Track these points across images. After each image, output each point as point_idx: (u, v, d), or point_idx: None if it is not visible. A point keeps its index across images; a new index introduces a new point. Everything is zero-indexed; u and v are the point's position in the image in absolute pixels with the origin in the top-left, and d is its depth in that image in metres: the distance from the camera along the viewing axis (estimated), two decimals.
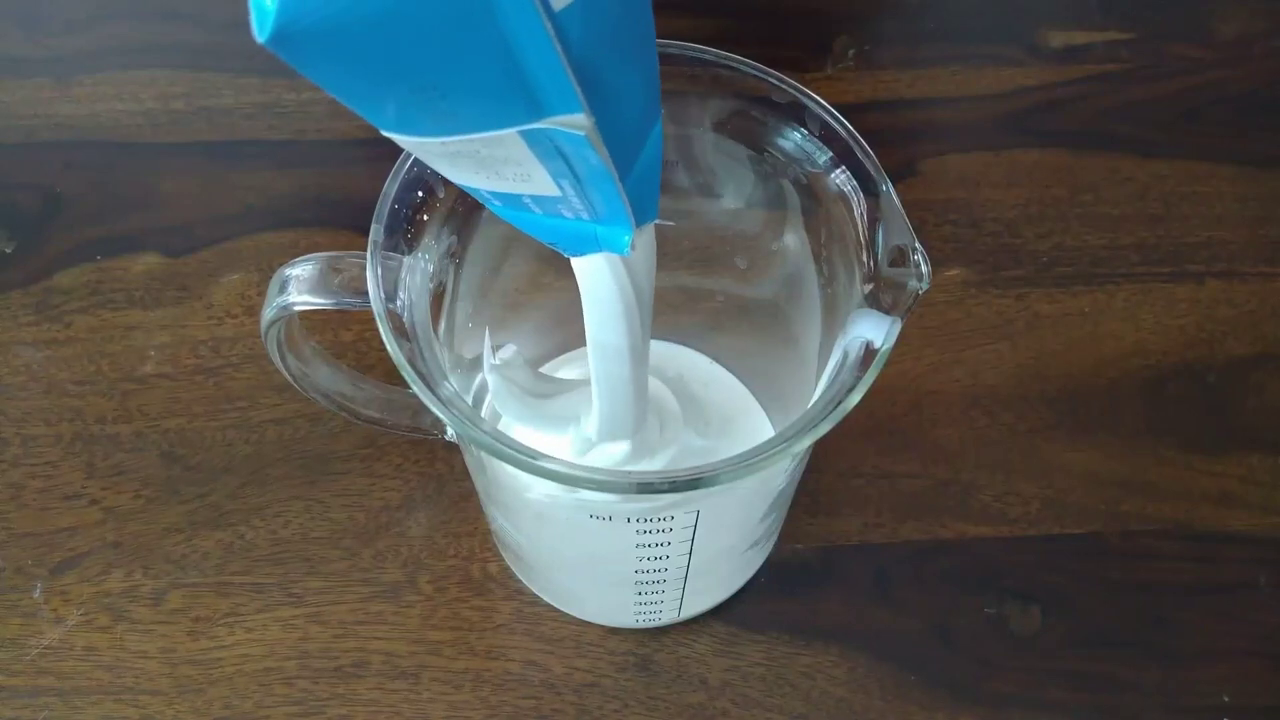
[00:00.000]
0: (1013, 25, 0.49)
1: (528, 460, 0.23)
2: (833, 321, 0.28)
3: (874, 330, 0.24)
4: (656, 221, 0.23)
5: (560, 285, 0.33)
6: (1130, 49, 0.49)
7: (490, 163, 0.19)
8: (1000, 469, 0.38)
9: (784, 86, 0.27)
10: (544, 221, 0.22)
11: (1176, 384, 0.40)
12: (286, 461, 0.38)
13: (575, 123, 0.17)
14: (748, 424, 0.35)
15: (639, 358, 0.25)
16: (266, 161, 0.45)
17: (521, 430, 0.30)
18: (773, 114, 0.27)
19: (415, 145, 0.18)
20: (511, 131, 0.17)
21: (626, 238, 0.22)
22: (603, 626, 0.35)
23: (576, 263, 0.23)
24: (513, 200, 0.21)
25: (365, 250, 0.25)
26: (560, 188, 0.20)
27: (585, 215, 0.21)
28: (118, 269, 0.42)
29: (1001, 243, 0.43)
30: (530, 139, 0.18)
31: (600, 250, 0.22)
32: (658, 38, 0.27)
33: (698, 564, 0.30)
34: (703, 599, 0.34)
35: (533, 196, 0.21)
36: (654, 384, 0.33)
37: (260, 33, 0.14)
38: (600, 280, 0.23)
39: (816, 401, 0.25)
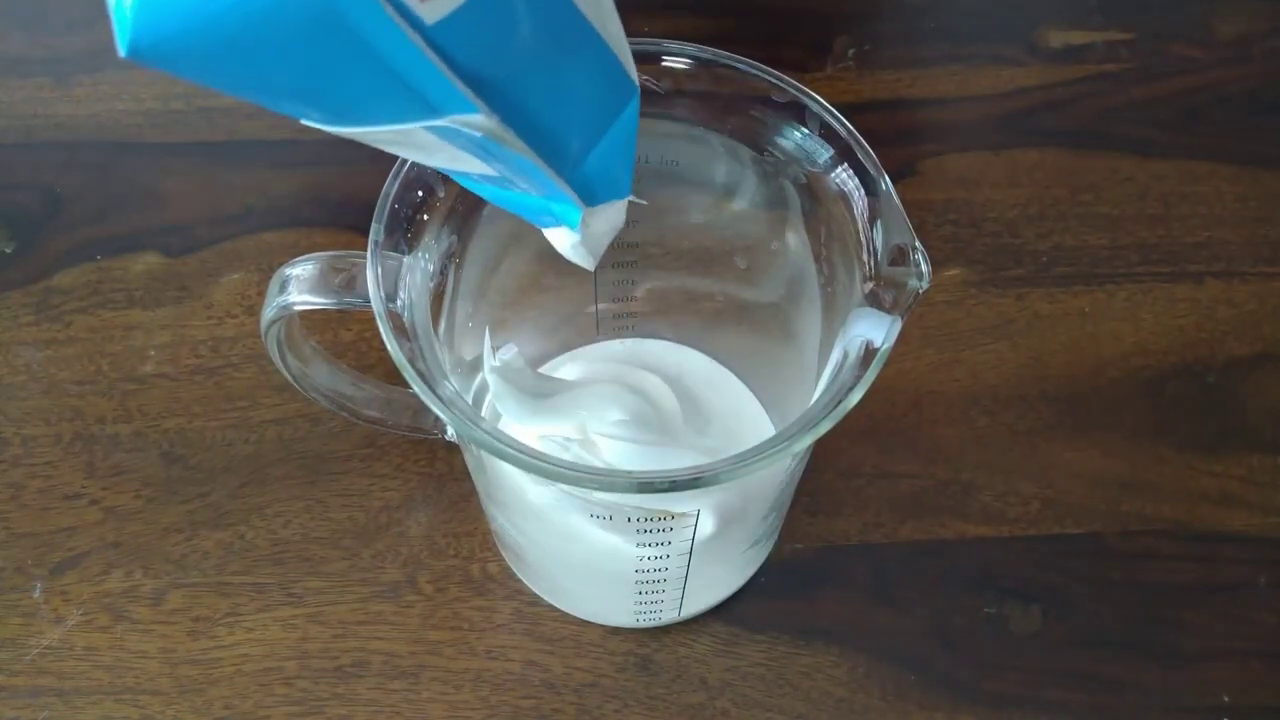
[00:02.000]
0: (1013, 25, 0.49)
1: (528, 460, 0.23)
2: (833, 321, 0.28)
3: (874, 329, 0.24)
4: (630, 199, 0.23)
5: (560, 285, 0.33)
6: (1130, 49, 0.49)
7: (414, 147, 0.19)
8: (1000, 469, 0.38)
9: (784, 86, 0.27)
10: (503, 194, 0.22)
11: (1176, 384, 0.40)
12: (286, 461, 0.38)
13: (475, 123, 0.17)
14: (748, 424, 0.35)
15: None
16: (266, 161, 0.45)
17: (521, 430, 0.30)
18: (773, 114, 0.27)
19: (333, 133, 0.18)
20: (416, 126, 0.17)
21: (576, 215, 0.22)
22: (603, 626, 0.35)
23: (548, 233, 0.23)
24: (466, 176, 0.21)
25: (365, 250, 0.25)
26: (494, 169, 0.20)
27: (534, 192, 0.21)
28: (118, 269, 0.42)
29: (1001, 243, 0.43)
30: (439, 133, 0.18)
31: (559, 225, 0.22)
32: (658, 38, 0.27)
33: (698, 564, 0.30)
34: (703, 599, 0.34)
35: (479, 174, 0.21)
36: (654, 383, 0.33)
37: (121, 45, 0.14)
38: (565, 250, 0.23)
39: (816, 401, 0.25)
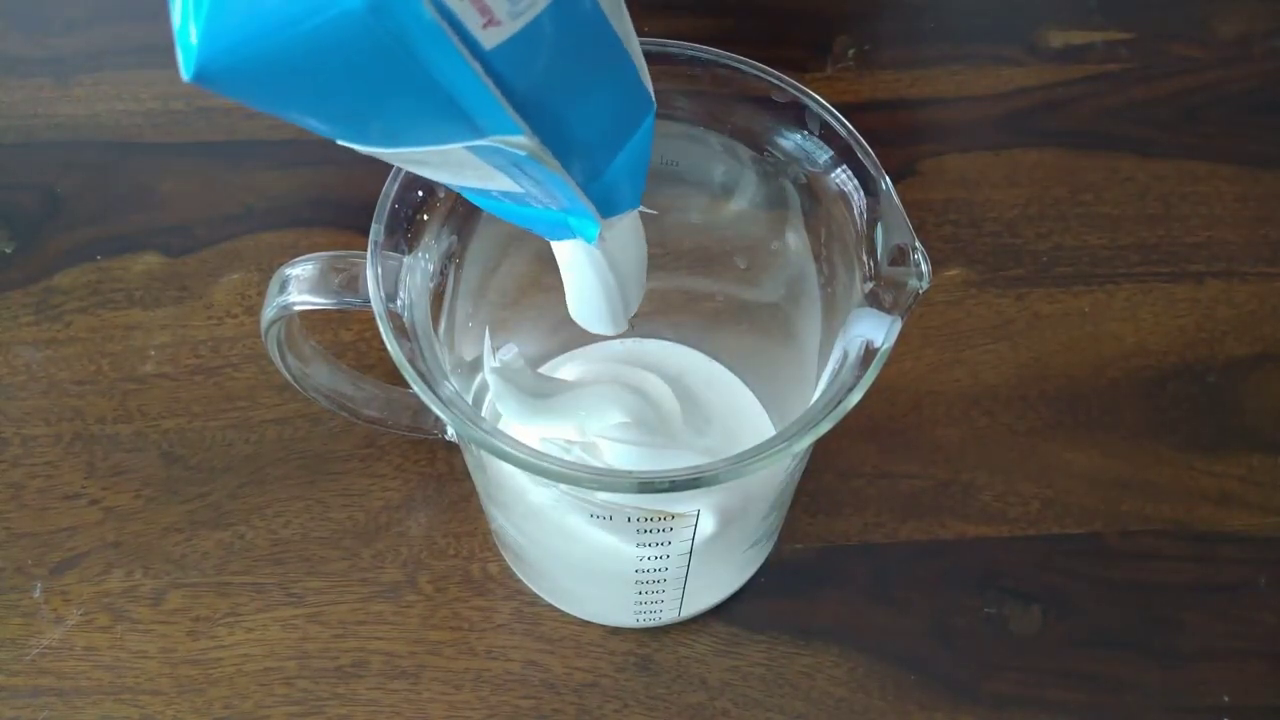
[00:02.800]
0: (1013, 25, 0.49)
1: (528, 460, 0.23)
2: (833, 321, 0.28)
3: (874, 329, 0.24)
4: (640, 209, 0.23)
5: (560, 285, 0.33)
6: (1130, 49, 0.49)
7: (447, 167, 0.19)
8: (1000, 469, 0.38)
9: (784, 86, 0.27)
10: (517, 210, 0.22)
11: (1176, 384, 0.40)
12: (286, 461, 0.38)
13: (517, 143, 0.18)
14: (748, 424, 0.35)
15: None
16: (266, 161, 0.45)
17: (521, 430, 0.30)
18: (773, 114, 0.27)
19: (368, 153, 0.19)
20: (457, 146, 0.18)
21: (594, 229, 0.22)
22: (603, 626, 0.35)
23: (556, 246, 0.24)
24: (483, 193, 0.22)
25: (365, 250, 0.25)
26: (522, 186, 0.20)
27: (554, 206, 0.21)
28: (118, 269, 0.42)
29: (1001, 243, 0.43)
30: (478, 153, 0.18)
31: (574, 237, 0.23)
32: (658, 37, 0.27)
33: (698, 563, 0.30)
34: (703, 599, 0.34)
35: (500, 191, 0.21)
36: (654, 383, 0.33)
37: (185, 70, 0.14)
38: (577, 264, 0.23)
39: (816, 401, 0.25)
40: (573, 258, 0.24)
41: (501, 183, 0.20)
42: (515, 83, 0.17)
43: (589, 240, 0.22)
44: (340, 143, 0.18)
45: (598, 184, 0.21)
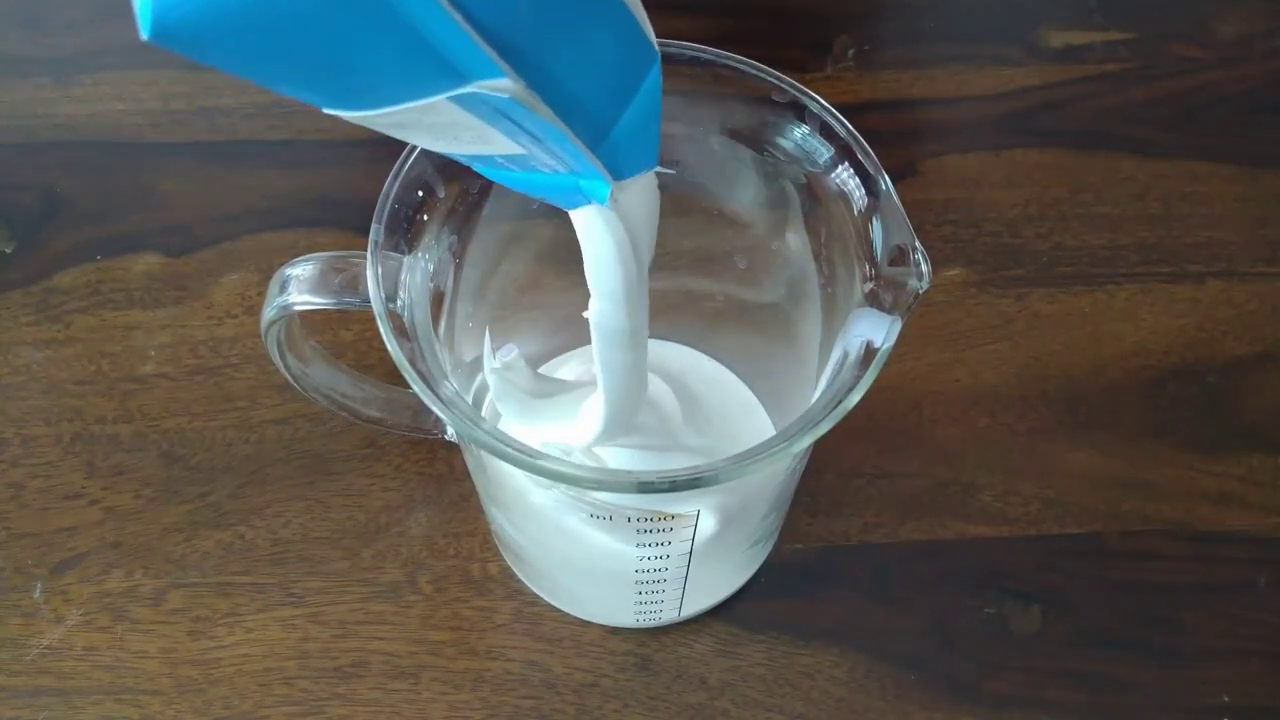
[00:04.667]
0: (1013, 25, 0.49)
1: (528, 460, 0.23)
2: (833, 321, 0.28)
3: (874, 329, 0.24)
4: (657, 169, 0.22)
5: (560, 285, 0.33)
6: (1130, 49, 0.49)
7: (441, 129, 0.19)
8: (1000, 469, 0.38)
9: (784, 86, 0.27)
10: (527, 178, 0.22)
11: (1176, 384, 0.40)
12: (286, 461, 0.38)
13: (501, 87, 0.17)
14: (748, 424, 0.35)
15: (636, 311, 0.25)
16: (266, 161, 0.45)
17: (521, 430, 0.30)
18: (773, 114, 0.27)
19: (355, 119, 0.18)
20: (440, 99, 0.17)
21: (605, 190, 0.21)
22: (603, 626, 0.35)
23: (574, 215, 0.23)
24: (488, 161, 0.21)
25: (365, 250, 0.25)
26: (523, 146, 0.20)
27: (561, 169, 0.21)
28: (118, 269, 0.42)
29: (1001, 243, 0.43)
30: (464, 104, 0.17)
31: (588, 202, 0.22)
32: (658, 38, 0.27)
33: (698, 564, 0.30)
34: (703, 599, 0.34)
35: (504, 156, 0.20)
36: (654, 383, 0.33)
37: (143, 29, 0.14)
38: (594, 231, 0.23)
39: (816, 401, 0.25)
40: (590, 226, 0.23)
41: (501, 144, 0.19)
42: (488, 20, 0.16)
43: (601, 202, 0.22)
44: (327, 111, 0.17)
45: (606, 145, 0.20)
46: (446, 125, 0.18)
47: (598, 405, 0.27)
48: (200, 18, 0.14)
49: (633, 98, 0.20)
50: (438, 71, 0.16)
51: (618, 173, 0.21)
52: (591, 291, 0.24)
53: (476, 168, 0.22)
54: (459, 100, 0.17)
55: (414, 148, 0.26)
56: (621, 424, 0.28)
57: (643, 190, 0.23)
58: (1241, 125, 0.47)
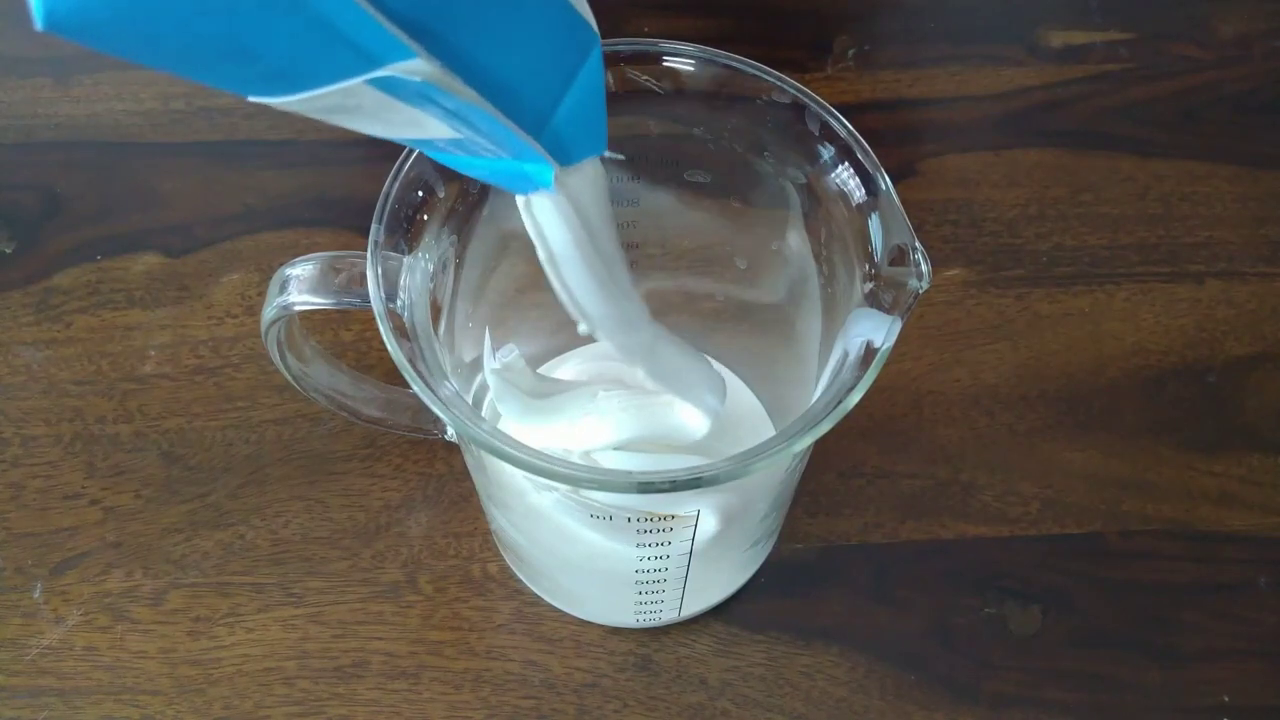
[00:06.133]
0: (1013, 25, 0.49)
1: (528, 460, 0.23)
2: (833, 321, 0.28)
3: (874, 330, 0.24)
4: (605, 154, 0.22)
5: None
6: (1130, 49, 0.49)
7: (370, 113, 0.18)
8: (1000, 469, 0.38)
9: (784, 86, 0.27)
10: (475, 163, 0.21)
11: (1176, 384, 0.40)
12: (286, 461, 0.38)
13: (414, 69, 0.17)
14: (748, 424, 0.35)
15: (615, 298, 0.24)
16: (266, 161, 0.45)
17: (521, 430, 0.30)
18: (773, 114, 0.27)
19: (278, 105, 0.18)
20: (357, 83, 0.17)
21: (549, 174, 0.21)
22: (603, 626, 0.35)
23: (520, 203, 0.23)
24: (429, 145, 0.21)
25: (365, 250, 0.25)
26: (459, 131, 0.19)
27: (504, 154, 0.21)
28: (118, 269, 0.42)
29: (1001, 243, 0.43)
30: (384, 87, 0.17)
31: (536, 189, 0.22)
32: (658, 38, 0.27)
33: (698, 564, 0.30)
34: (703, 599, 0.34)
35: (445, 140, 0.20)
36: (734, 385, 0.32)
37: (38, 19, 0.14)
38: (548, 221, 0.22)
39: (816, 401, 0.25)
40: (542, 217, 0.22)
41: (435, 129, 0.19)
42: (396, 2, 0.16)
43: (546, 186, 0.21)
44: (250, 99, 0.17)
45: (549, 130, 0.20)
46: (374, 109, 0.18)
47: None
48: (90, 5, 0.14)
49: (573, 81, 0.20)
50: (347, 54, 0.16)
51: (565, 158, 0.21)
52: (555, 288, 0.24)
53: (424, 151, 0.22)
54: (377, 84, 0.17)
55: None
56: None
57: (589, 173, 0.22)
58: (1241, 125, 0.47)
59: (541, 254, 0.23)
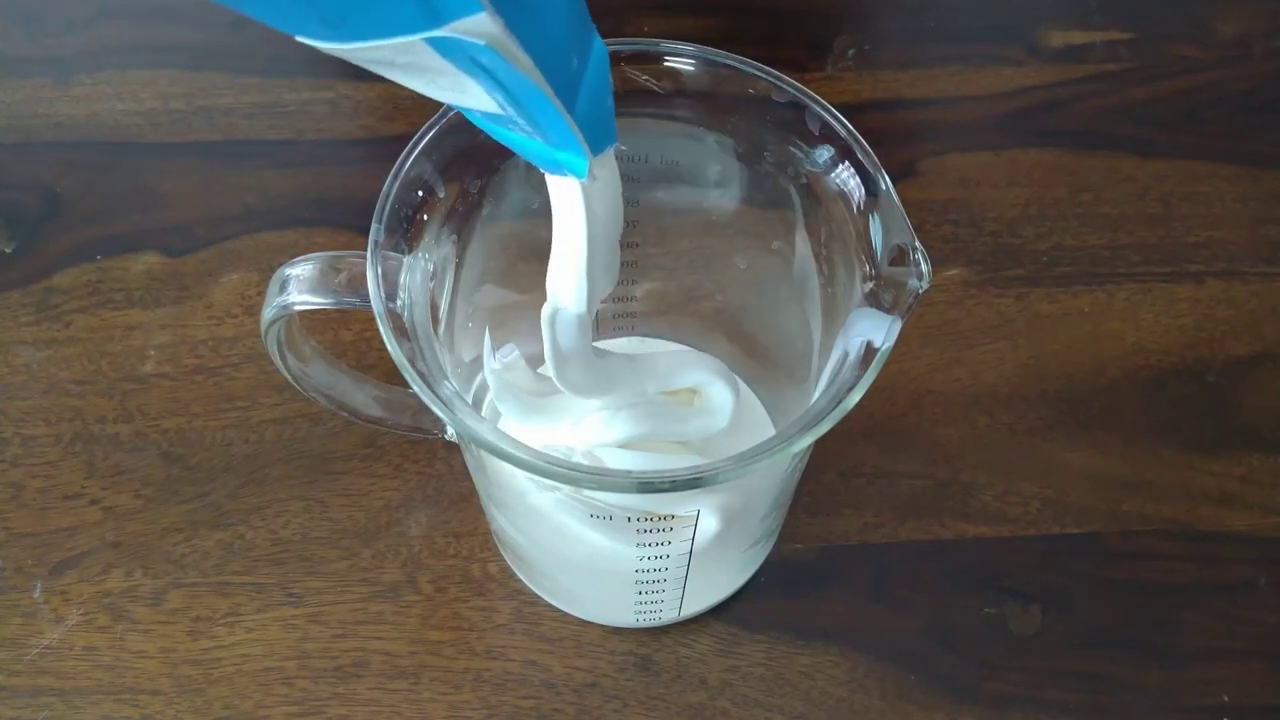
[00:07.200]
0: (1013, 25, 0.49)
1: (528, 460, 0.23)
2: (833, 321, 0.28)
3: (874, 329, 0.24)
4: (616, 145, 0.22)
5: None
6: (1130, 49, 0.49)
7: (417, 70, 0.18)
8: (1000, 469, 0.38)
9: (784, 86, 0.27)
10: (512, 138, 0.21)
11: (1176, 384, 0.40)
12: (286, 461, 0.38)
13: (478, 26, 0.16)
14: (748, 424, 0.35)
15: (590, 300, 0.25)
16: (266, 161, 0.45)
17: (521, 430, 0.30)
18: (773, 114, 0.27)
19: (328, 50, 0.17)
20: (417, 39, 0.16)
21: (584, 163, 0.21)
22: (603, 626, 0.35)
23: (549, 180, 0.23)
24: (467, 110, 0.21)
25: (365, 250, 0.25)
26: (501, 106, 0.19)
27: (538, 138, 0.21)
28: (118, 269, 0.42)
29: (1001, 243, 0.43)
30: (441, 49, 0.17)
31: (567, 174, 0.22)
32: (658, 38, 0.27)
33: (698, 564, 0.30)
34: (703, 599, 0.34)
35: (483, 112, 0.20)
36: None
37: None
38: (567, 203, 0.23)
39: (816, 401, 0.25)
40: (564, 202, 0.23)
41: (478, 98, 0.19)
42: None
43: (581, 176, 0.21)
44: (299, 39, 0.16)
45: (575, 114, 0.20)
46: (423, 68, 0.18)
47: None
48: None
49: (585, 67, 0.20)
50: (411, 7, 0.16)
51: (592, 145, 0.21)
52: (552, 264, 0.24)
53: (460, 111, 0.22)
54: (435, 44, 0.17)
55: (413, 148, 0.26)
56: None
57: (610, 178, 0.22)
58: (1241, 125, 0.47)
59: (561, 233, 0.23)
